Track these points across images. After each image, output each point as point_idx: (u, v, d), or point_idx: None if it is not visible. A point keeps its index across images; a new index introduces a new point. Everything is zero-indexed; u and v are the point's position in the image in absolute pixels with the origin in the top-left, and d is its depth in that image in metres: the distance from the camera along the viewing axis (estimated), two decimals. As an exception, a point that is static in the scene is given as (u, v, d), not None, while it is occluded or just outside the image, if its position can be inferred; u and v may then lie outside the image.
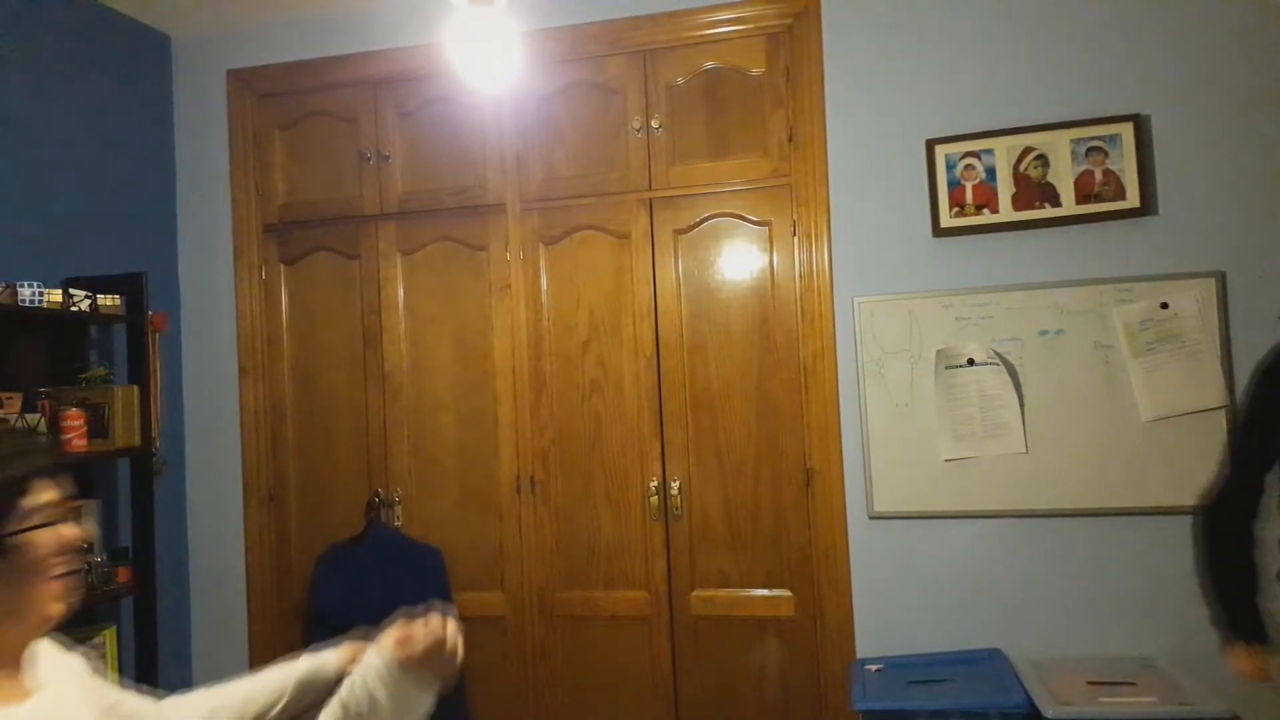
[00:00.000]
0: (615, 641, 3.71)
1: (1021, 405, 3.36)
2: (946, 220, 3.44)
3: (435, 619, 1.59)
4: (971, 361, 3.39)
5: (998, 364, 3.37)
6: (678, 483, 3.67)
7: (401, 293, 3.96)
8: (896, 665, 3.32)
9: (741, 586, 3.63)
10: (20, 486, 1.37)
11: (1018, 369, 3.37)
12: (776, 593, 3.61)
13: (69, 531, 1.44)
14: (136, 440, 3.52)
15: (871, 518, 3.48)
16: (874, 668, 3.31)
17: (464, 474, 3.88)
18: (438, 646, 1.57)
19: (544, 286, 3.83)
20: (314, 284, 4.06)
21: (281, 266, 4.09)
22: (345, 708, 1.55)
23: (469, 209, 3.89)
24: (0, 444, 1.40)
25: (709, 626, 3.65)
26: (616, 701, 3.70)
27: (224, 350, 4.08)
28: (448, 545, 3.82)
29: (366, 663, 1.58)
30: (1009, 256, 3.40)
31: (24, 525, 1.37)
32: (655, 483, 3.69)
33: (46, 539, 1.39)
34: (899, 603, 3.46)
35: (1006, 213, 3.39)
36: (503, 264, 3.86)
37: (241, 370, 4.07)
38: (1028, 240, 3.39)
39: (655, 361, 3.71)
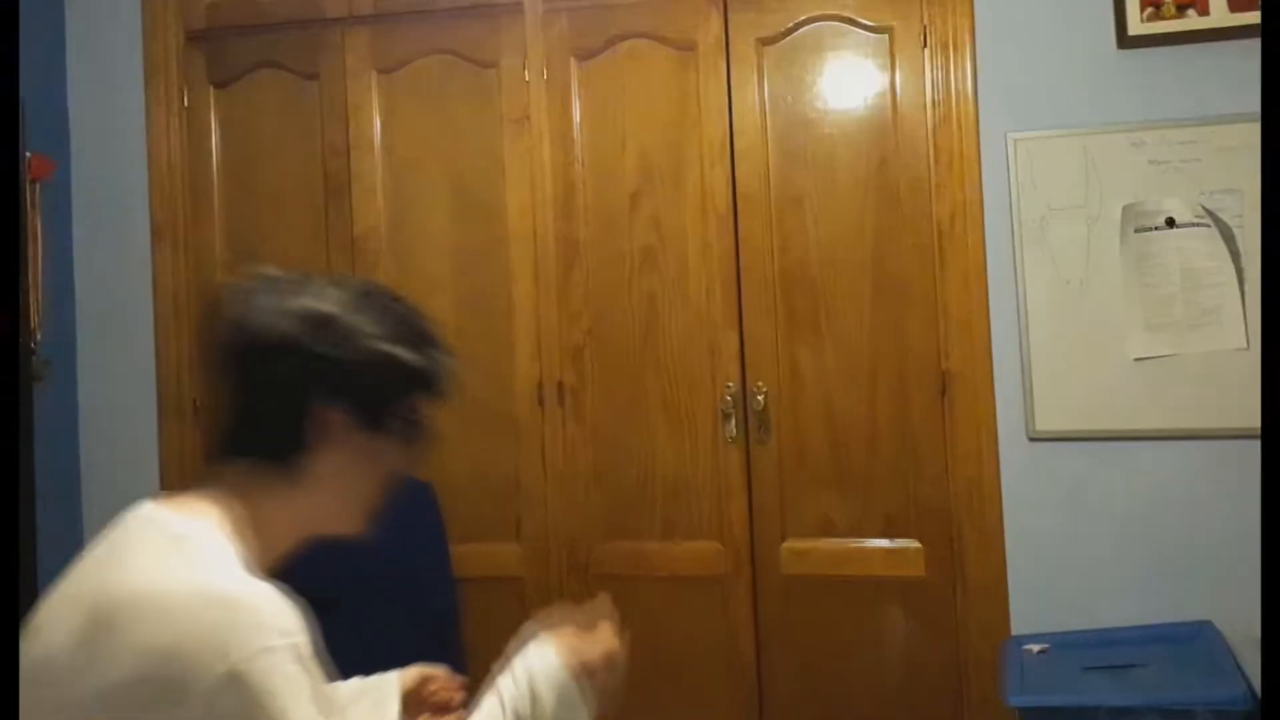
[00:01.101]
0: (678, 610, 3.25)
1: (1241, 283, 2.92)
2: (1136, 26, 2.97)
3: (605, 627, 1.60)
4: (1172, 222, 2.96)
5: (1208, 225, 2.94)
6: (763, 390, 3.18)
7: (378, 126, 3.46)
8: (1066, 645, 2.92)
9: (851, 536, 3.18)
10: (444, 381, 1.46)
11: (1236, 233, 2.92)
12: (900, 544, 3.15)
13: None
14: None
15: (1031, 439, 3.07)
16: (1035, 648, 2.92)
17: (467, 379, 3.06)
18: (610, 660, 1.57)
19: (576, 118, 3.33)
20: (256, 114, 3.57)
21: (211, 90, 3.58)
22: (504, 706, 1.51)
23: (472, 8, 3.38)
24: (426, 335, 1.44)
25: (806, 589, 3.20)
26: (679, 688, 3.22)
27: (131, 206, 3.58)
28: (443, 478, 3.26)
29: (533, 661, 1.55)
30: (1224, 76, 2.93)
31: (409, 423, 1.42)
32: (732, 390, 3.20)
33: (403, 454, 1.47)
34: (1070, 559, 3.05)
35: (1220, 15, 2.91)
36: (519, 86, 3.35)
37: (155, 234, 3.56)
38: (1250, 54, 2.73)
39: (732, 222, 3.21)
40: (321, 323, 1.35)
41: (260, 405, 1.37)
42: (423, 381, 1.41)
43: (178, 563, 1.25)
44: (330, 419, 1.35)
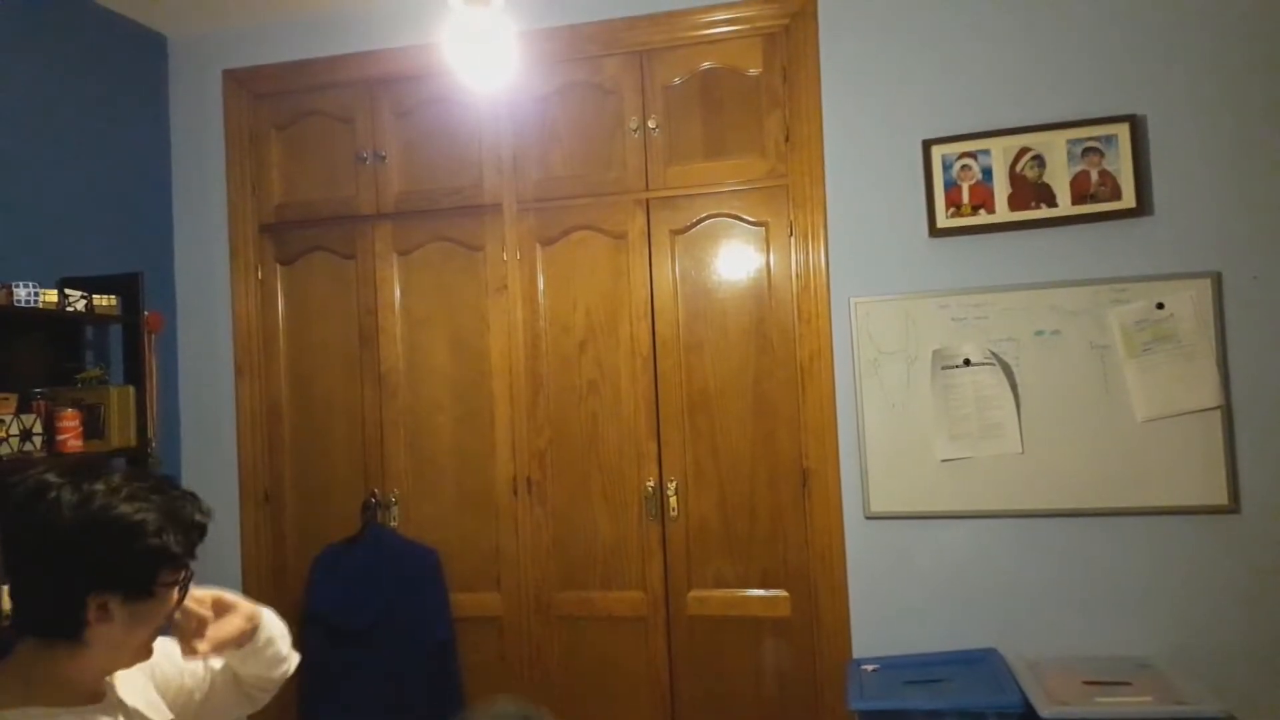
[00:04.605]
0: (612, 642, 3.71)
1: (1017, 405, 3.36)
2: (943, 220, 3.44)
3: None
4: (968, 362, 3.39)
5: (994, 364, 3.37)
6: (674, 483, 3.67)
7: (398, 293, 3.95)
8: (892, 665, 3.32)
9: (738, 587, 3.63)
10: (189, 549, 1.53)
11: (1014, 369, 3.37)
12: (773, 593, 3.61)
13: (189, 601, 1.59)
14: (132, 441, 3.52)
15: (868, 518, 3.48)
16: (870, 668, 3.32)
17: (460, 474, 3.87)
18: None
19: (540, 287, 3.82)
20: (310, 284, 4.05)
21: (278, 266, 4.08)
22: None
23: (465, 209, 3.88)
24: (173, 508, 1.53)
25: (705, 627, 3.65)
26: (613, 702, 3.69)
27: (220, 350, 4.07)
28: (444, 546, 3.81)
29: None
30: (1005, 257, 3.40)
31: (169, 581, 1.50)
32: (652, 483, 3.69)
33: (177, 600, 1.54)
34: (895, 603, 3.46)
35: (1003, 213, 3.39)
36: (499, 264, 3.85)
37: (237, 370, 4.07)
38: (1024, 240, 3.39)
39: (652, 362, 3.70)
40: (96, 522, 1.44)
41: (45, 594, 1.47)
42: (181, 560, 1.51)
43: None
44: (105, 604, 1.45)
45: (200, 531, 1.55)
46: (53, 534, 1.43)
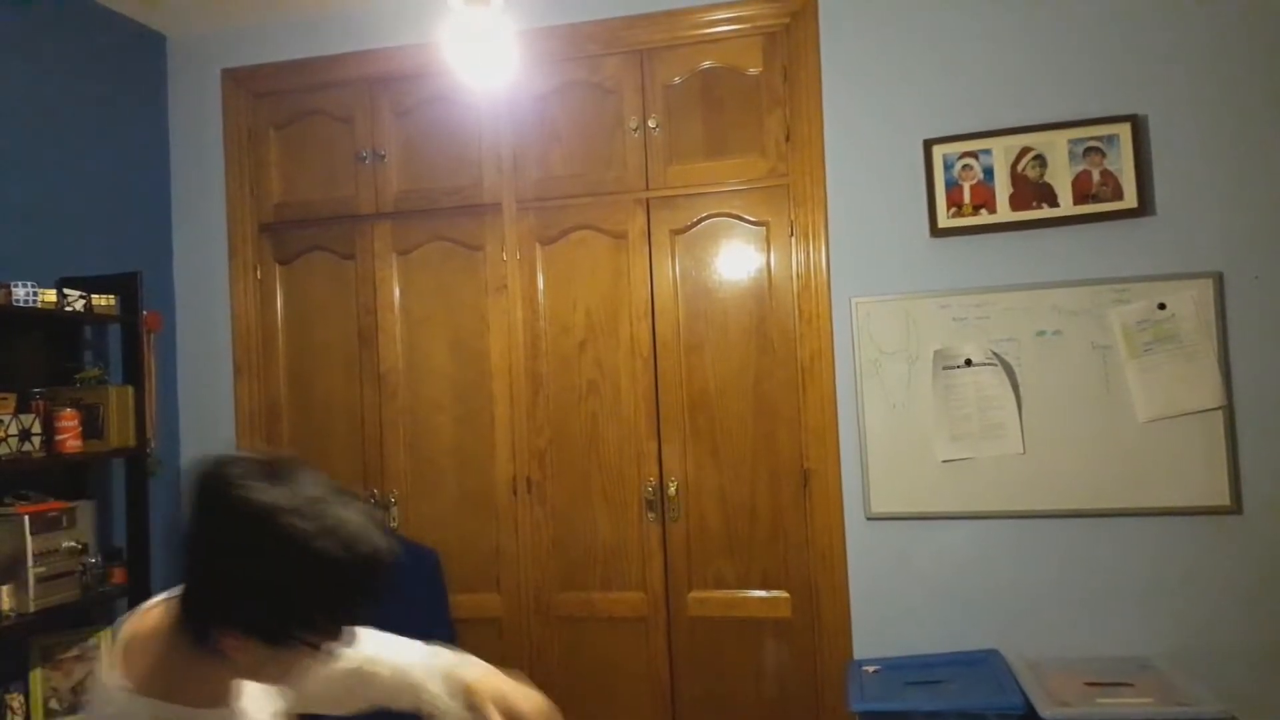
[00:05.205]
0: (612, 643, 3.71)
1: (1019, 406, 3.36)
2: (944, 220, 3.45)
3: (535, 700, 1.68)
4: (969, 362, 3.39)
5: (995, 364, 3.37)
6: (675, 483, 3.67)
7: (397, 292, 3.96)
8: (893, 666, 3.33)
9: (738, 588, 3.64)
10: (342, 617, 1.37)
11: (1015, 369, 3.37)
12: (773, 594, 3.61)
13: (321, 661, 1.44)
14: (131, 441, 3.52)
15: (869, 519, 3.49)
16: (871, 669, 3.32)
17: (460, 475, 3.87)
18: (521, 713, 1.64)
19: (540, 286, 3.83)
20: (309, 283, 4.06)
21: (277, 266, 4.09)
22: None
23: (465, 209, 3.89)
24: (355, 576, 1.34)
25: (706, 627, 3.65)
26: (614, 702, 3.69)
27: (219, 350, 4.08)
28: (444, 547, 3.80)
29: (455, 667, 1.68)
30: (1006, 257, 3.41)
31: (312, 640, 1.35)
32: (652, 483, 3.69)
33: (311, 659, 1.39)
34: (896, 604, 3.47)
35: (1004, 213, 3.39)
36: (499, 264, 3.86)
37: (236, 370, 4.07)
38: (1025, 241, 3.40)
39: (652, 362, 3.71)
40: (303, 565, 1.28)
41: (197, 601, 1.35)
42: (344, 635, 1.37)
43: None
44: (230, 642, 1.32)
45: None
46: (256, 562, 1.29)
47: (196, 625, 1.34)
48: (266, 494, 1.28)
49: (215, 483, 1.31)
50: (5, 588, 3.09)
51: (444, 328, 3.91)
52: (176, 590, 1.39)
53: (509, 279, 3.84)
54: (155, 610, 1.44)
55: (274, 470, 1.32)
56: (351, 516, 1.32)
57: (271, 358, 4.07)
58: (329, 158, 4.03)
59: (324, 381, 4.02)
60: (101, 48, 3.87)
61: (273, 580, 1.28)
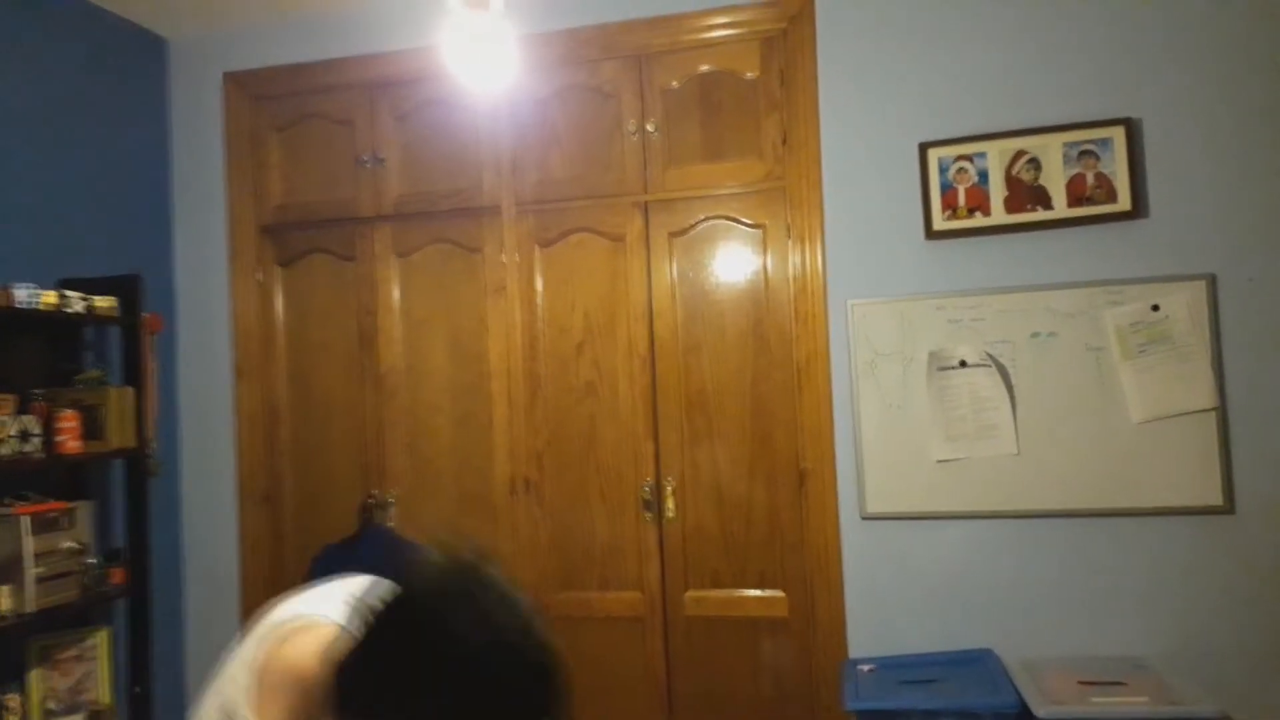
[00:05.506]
0: (610, 642, 3.71)
1: (1013, 407, 3.38)
2: (939, 223, 3.46)
3: None
4: (964, 363, 3.41)
5: (990, 366, 3.39)
6: (671, 484, 3.68)
7: (397, 294, 3.97)
8: (888, 665, 3.34)
9: (735, 587, 3.64)
10: None
11: (1009, 371, 3.39)
12: (769, 593, 3.62)
13: None
14: (131, 442, 3.53)
15: (864, 518, 3.49)
16: (866, 668, 3.32)
17: (459, 475, 3.88)
18: None
19: (539, 288, 3.84)
20: (310, 286, 4.08)
21: (277, 268, 4.11)
22: None
23: (464, 211, 3.90)
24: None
25: (702, 627, 3.66)
26: (610, 701, 3.68)
27: (219, 351, 4.08)
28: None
29: None
30: (1001, 259, 3.42)
31: None
32: (649, 484, 3.70)
33: None
34: (891, 603, 3.48)
35: (999, 216, 3.40)
36: (498, 266, 3.87)
37: (237, 371, 4.08)
38: (1020, 243, 3.41)
39: (650, 363, 3.72)
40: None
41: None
42: None
43: None
44: None
45: None
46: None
47: (348, 705, 1.21)
48: (480, 633, 1.18)
49: (441, 603, 1.21)
50: (4, 588, 3.10)
51: (443, 329, 3.92)
52: (335, 601, 1.33)
53: (508, 281, 3.85)
54: (308, 639, 1.34)
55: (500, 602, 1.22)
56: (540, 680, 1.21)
57: (272, 359, 4.08)
58: (329, 160, 4.04)
59: (324, 382, 4.04)
60: (102, 50, 3.88)
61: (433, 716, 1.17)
